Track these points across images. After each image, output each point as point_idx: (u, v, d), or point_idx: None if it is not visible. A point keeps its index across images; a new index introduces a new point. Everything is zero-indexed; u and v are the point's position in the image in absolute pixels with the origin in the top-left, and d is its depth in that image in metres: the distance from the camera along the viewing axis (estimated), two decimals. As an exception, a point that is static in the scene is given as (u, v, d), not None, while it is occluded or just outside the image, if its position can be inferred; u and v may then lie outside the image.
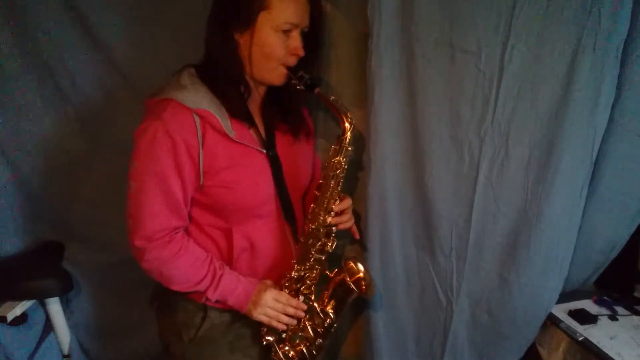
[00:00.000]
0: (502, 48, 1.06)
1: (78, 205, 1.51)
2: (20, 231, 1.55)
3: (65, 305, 1.62)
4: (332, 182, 1.14)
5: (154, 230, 1.03)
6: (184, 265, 1.06)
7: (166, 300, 1.17)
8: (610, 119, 1.10)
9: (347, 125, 1.10)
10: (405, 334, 1.42)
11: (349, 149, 1.12)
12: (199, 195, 1.07)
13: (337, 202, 1.17)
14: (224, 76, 1.05)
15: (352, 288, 1.23)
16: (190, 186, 1.04)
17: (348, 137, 1.11)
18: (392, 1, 1.09)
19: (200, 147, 1.01)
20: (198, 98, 1.02)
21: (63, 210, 1.52)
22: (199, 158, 1.02)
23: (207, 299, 1.09)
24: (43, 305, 1.60)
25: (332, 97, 1.12)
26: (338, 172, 1.14)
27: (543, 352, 1.30)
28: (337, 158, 1.12)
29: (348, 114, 1.11)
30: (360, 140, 1.28)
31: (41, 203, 1.52)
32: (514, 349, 1.31)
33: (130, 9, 1.29)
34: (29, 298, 1.52)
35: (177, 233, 1.08)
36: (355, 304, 1.45)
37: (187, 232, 1.12)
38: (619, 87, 1.07)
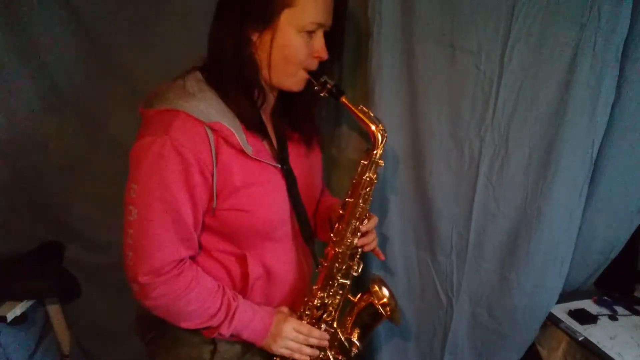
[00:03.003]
0: (502, 48, 1.06)
1: (78, 205, 1.51)
2: (20, 231, 1.56)
3: (65, 305, 1.62)
4: (362, 202, 1.03)
5: (163, 264, 0.89)
6: (196, 299, 0.93)
7: (165, 330, 1.02)
8: (610, 119, 1.10)
9: (379, 137, 0.98)
10: (405, 333, 1.42)
11: (381, 163, 1.01)
12: (209, 219, 0.95)
13: (365, 221, 1.06)
14: (238, 82, 0.93)
15: (381, 312, 1.13)
16: (201, 210, 0.92)
17: (380, 152, 0.99)
18: (392, 1, 1.09)
19: (214, 165, 0.88)
20: (209, 108, 0.88)
21: (63, 210, 1.52)
22: (212, 178, 0.89)
23: (220, 334, 0.97)
24: (43, 305, 1.60)
25: (361, 107, 1.00)
26: (368, 189, 1.02)
27: (543, 352, 1.30)
28: (368, 174, 1.01)
29: (380, 125, 0.99)
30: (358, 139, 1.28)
31: (41, 203, 1.52)
32: (514, 349, 1.31)
33: (130, 10, 1.29)
34: (29, 298, 1.52)
35: (185, 263, 0.94)
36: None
37: (194, 260, 0.99)
38: (619, 88, 1.07)
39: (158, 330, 1.05)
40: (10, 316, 1.44)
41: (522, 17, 1.03)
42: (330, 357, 1.12)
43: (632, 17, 1.00)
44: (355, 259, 1.09)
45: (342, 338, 1.12)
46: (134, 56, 1.33)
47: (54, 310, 1.58)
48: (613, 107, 1.08)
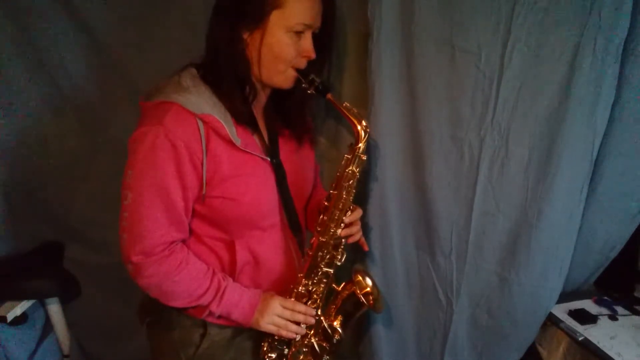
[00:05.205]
0: (502, 48, 1.06)
1: (78, 205, 1.51)
2: (20, 231, 1.56)
3: (65, 305, 1.62)
4: (345, 194, 1.08)
5: (153, 245, 0.96)
6: (186, 278, 1.00)
7: (160, 315, 1.09)
8: (610, 119, 1.10)
9: (362, 133, 1.04)
10: (405, 334, 1.42)
11: (363, 158, 1.08)
12: (199, 206, 1.01)
13: (349, 213, 1.12)
14: (230, 78, 0.99)
15: (363, 302, 1.18)
16: (192, 197, 0.98)
17: (362, 147, 1.05)
18: (392, 1, 1.10)
19: (204, 155, 0.95)
20: (201, 102, 0.95)
21: (63, 210, 1.52)
22: (202, 167, 0.95)
23: (210, 313, 1.03)
24: (43, 305, 1.60)
25: (345, 103, 1.06)
26: (351, 182, 1.08)
27: (543, 352, 1.30)
28: (351, 168, 1.07)
29: (363, 121, 1.05)
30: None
31: (41, 203, 1.52)
32: (514, 349, 1.31)
33: (130, 9, 1.29)
34: (29, 298, 1.52)
35: (176, 245, 1.01)
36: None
37: (185, 244, 1.05)
38: (619, 87, 1.07)
39: (154, 315, 1.12)
40: (10, 316, 1.45)
41: (522, 17, 1.03)
42: (314, 343, 1.16)
43: (632, 17, 1.00)
44: (339, 249, 1.14)
45: (326, 325, 1.17)
46: (134, 56, 1.34)
47: (54, 310, 1.58)
48: (613, 107, 1.08)
